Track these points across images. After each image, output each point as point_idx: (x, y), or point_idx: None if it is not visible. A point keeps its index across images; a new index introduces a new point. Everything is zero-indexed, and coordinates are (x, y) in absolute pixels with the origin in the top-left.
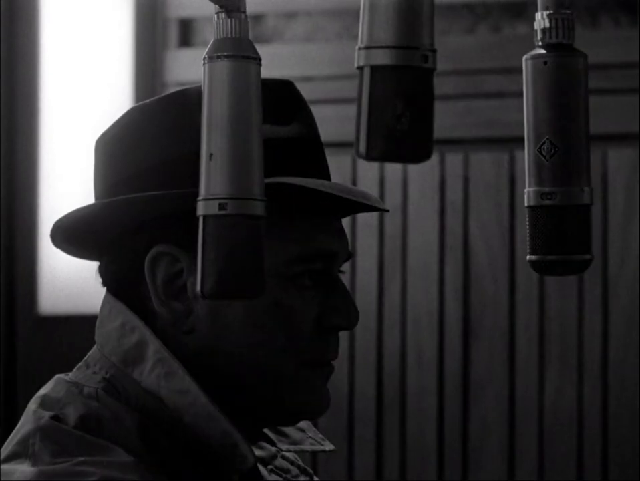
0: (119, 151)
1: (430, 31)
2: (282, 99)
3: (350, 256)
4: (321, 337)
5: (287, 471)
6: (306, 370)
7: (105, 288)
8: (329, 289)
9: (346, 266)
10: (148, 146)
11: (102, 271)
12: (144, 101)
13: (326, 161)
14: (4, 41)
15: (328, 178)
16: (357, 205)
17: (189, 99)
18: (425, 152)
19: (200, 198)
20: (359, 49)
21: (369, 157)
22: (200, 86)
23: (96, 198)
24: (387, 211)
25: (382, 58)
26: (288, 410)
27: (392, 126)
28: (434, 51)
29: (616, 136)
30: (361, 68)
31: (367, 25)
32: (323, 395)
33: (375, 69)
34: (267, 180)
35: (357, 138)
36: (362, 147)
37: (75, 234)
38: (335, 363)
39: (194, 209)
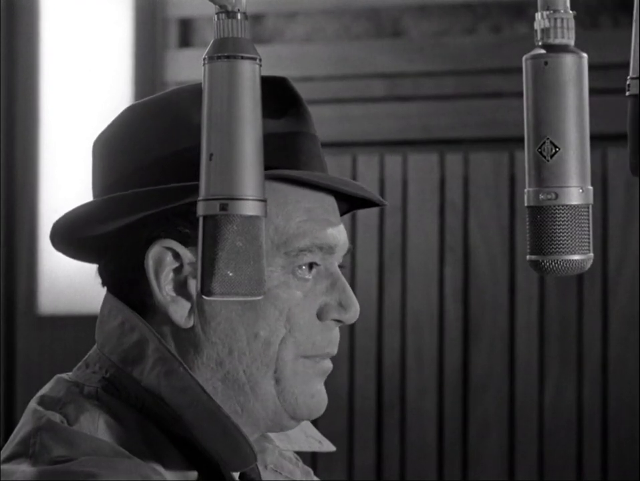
0: (117, 150)
1: None
2: (274, 94)
3: (350, 250)
4: (320, 331)
5: (287, 470)
6: (305, 362)
7: (105, 288)
8: (329, 283)
9: (346, 267)
10: (145, 144)
11: (101, 270)
12: (140, 100)
13: (322, 155)
14: (4, 41)
15: (324, 171)
16: (355, 201)
17: (183, 97)
18: None
19: (200, 198)
20: (632, 78)
21: None
22: (194, 84)
23: (94, 197)
24: (385, 205)
25: None
26: (287, 405)
27: None
28: None
29: (616, 136)
30: (635, 96)
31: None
32: (320, 391)
33: None
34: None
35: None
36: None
37: (74, 234)
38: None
39: (193, 203)
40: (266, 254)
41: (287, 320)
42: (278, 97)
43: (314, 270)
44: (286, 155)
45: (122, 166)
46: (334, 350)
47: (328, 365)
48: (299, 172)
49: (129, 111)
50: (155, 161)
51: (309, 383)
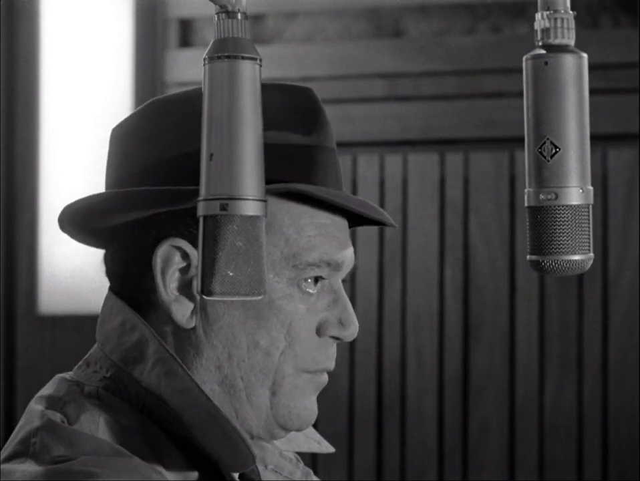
0: (135, 143)
1: None
2: (304, 107)
3: (355, 267)
4: (319, 346)
5: (287, 470)
6: (305, 377)
7: (107, 285)
8: (332, 299)
9: (347, 281)
10: (163, 141)
11: (107, 260)
12: (164, 95)
13: (339, 169)
14: (4, 41)
15: (339, 187)
16: (364, 218)
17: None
18: None
19: (201, 198)
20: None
21: None
22: None
23: (107, 187)
24: (394, 226)
25: None
26: (279, 417)
27: None
28: None
29: (616, 136)
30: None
31: None
32: (312, 404)
33: None
34: (278, 186)
35: None
36: None
37: (84, 221)
38: (335, 363)
39: None
40: (273, 265)
41: (288, 332)
42: (301, 108)
43: (319, 285)
44: (303, 168)
45: (139, 161)
46: (332, 365)
47: (324, 378)
48: (315, 187)
49: (151, 106)
50: (171, 159)
51: (304, 396)
